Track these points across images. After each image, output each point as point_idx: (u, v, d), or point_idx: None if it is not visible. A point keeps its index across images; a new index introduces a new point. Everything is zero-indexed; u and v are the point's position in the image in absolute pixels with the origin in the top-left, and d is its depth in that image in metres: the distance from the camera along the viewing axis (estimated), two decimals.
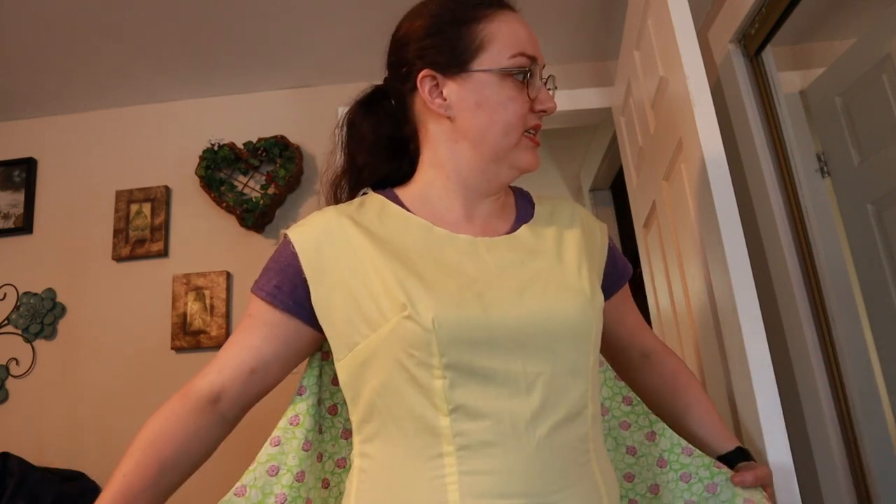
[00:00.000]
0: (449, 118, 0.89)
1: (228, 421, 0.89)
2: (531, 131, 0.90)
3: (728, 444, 0.99)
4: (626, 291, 1.06)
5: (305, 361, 0.94)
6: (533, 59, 0.88)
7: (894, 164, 1.58)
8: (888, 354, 1.61)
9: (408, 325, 0.76)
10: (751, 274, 1.20)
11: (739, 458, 0.97)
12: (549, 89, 0.91)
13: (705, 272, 1.36)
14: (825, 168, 1.78)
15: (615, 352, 1.08)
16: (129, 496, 0.80)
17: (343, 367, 0.85)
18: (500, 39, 0.87)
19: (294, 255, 0.86)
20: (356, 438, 0.86)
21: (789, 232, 1.71)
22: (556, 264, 0.87)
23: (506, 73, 0.86)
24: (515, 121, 0.87)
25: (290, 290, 0.86)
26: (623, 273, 1.04)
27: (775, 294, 1.76)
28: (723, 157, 1.26)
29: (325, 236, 0.86)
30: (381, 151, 0.97)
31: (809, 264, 1.66)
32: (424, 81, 0.88)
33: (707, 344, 1.42)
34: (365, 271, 0.82)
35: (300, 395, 0.92)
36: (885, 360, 1.61)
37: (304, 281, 0.85)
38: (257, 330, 0.87)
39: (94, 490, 1.96)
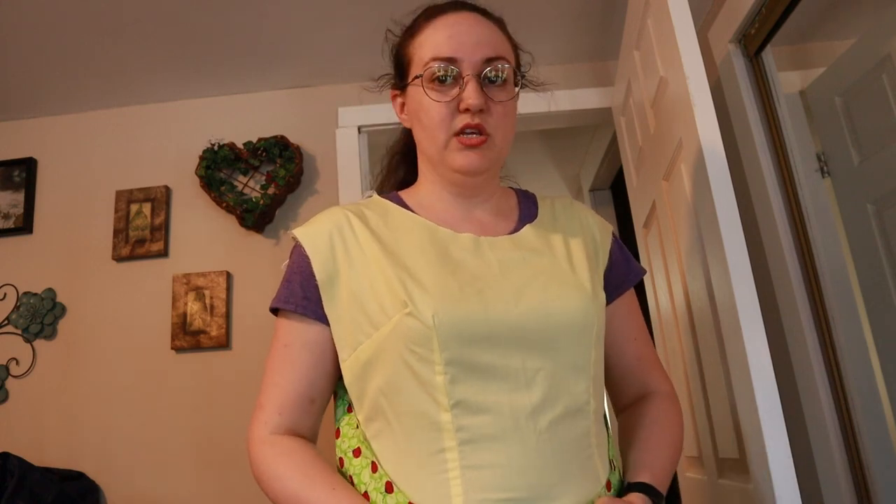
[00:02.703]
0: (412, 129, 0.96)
1: (313, 438, 0.89)
2: (469, 132, 0.87)
3: (636, 478, 0.86)
4: (631, 300, 0.99)
5: None
6: (449, 60, 0.87)
7: (894, 164, 1.58)
8: (888, 354, 1.61)
9: (409, 322, 0.78)
10: (751, 274, 1.20)
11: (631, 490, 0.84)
12: (494, 80, 0.88)
13: (705, 272, 1.36)
14: (825, 168, 1.78)
15: (613, 370, 0.98)
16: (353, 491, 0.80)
17: (347, 367, 0.86)
18: (421, 49, 0.91)
19: (305, 257, 0.87)
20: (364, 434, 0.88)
21: (789, 232, 1.71)
22: (558, 262, 0.88)
23: (426, 80, 0.88)
24: (435, 125, 0.88)
25: (315, 298, 0.86)
26: (626, 277, 0.98)
27: (775, 294, 1.76)
28: (723, 157, 1.26)
29: (333, 232, 0.88)
30: (402, 160, 1.08)
31: (809, 264, 1.66)
32: (395, 100, 0.98)
33: (707, 344, 1.42)
34: (369, 270, 0.84)
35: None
36: (885, 360, 1.61)
37: (317, 282, 0.86)
38: (299, 357, 0.86)
39: (94, 490, 1.97)
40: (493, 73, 0.88)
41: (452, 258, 0.85)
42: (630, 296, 1.00)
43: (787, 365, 1.72)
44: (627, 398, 1.00)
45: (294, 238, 0.90)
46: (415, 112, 0.92)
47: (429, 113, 0.88)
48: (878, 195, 1.64)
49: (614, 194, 3.28)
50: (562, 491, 0.77)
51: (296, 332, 0.87)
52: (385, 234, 0.88)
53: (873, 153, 1.65)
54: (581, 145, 3.28)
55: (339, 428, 0.91)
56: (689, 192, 1.41)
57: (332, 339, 0.87)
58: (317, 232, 0.89)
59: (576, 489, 0.78)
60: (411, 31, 0.95)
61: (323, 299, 0.86)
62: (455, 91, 0.87)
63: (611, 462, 0.89)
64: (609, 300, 0.95)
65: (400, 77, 0.96)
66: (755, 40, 1.75)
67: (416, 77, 0.90)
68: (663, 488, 0.87)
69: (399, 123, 1.01)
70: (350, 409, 0.91)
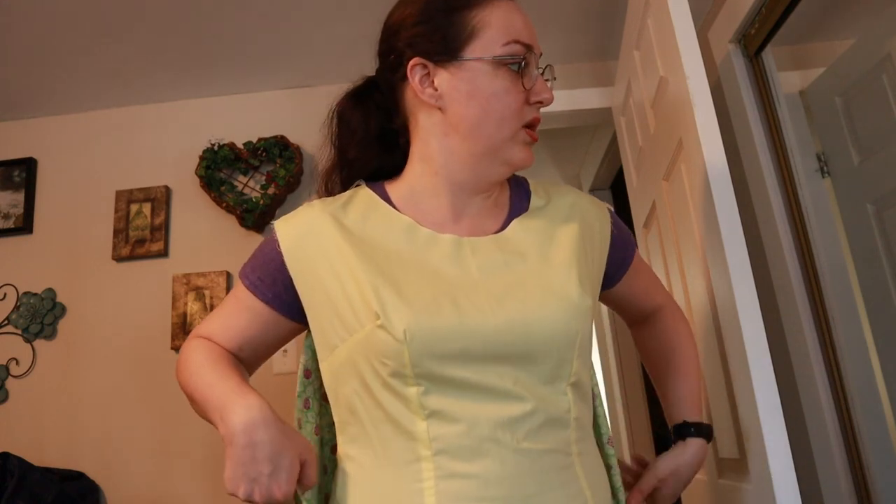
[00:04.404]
0: (440, 109, 0.85)
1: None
2: (529, 126, 0.86)
3: (682, 417, 1.01)
4: (636, 265, 1.02)
5: (303, 343, 0.95)
6: (528, 48, 0.83)
7: (894, 164, 1.58)
8: (888, 354, 1.60)
9: (380, 335, 0.75)
10: (751, 274, 1.20)
11: (682, 432, 1.00)
12: (546, 80, 0.87)
13: (705, 272, 1.36)
14: (825, 168, 1.78)
15: (625, 310, 1.09)
16: (237, 370, 0.83)
17: (326, 368, 0.85)
18: (494, 26, 0.83)
19: (278, 252, 0.86)
20: (339, 439, 0.86)
21: (789, 232, 1.71)
22: (542, 266, 0.83)
23: (499, 62, 0.82)
24: (510, 113, 0.83)
25: (270, 283, 0.87)
26: (626, 253, 1.00)
27: (775, 294, 1.76)
28: (723, 157, 1.26)
29: (308, 234, 0.85)
30: (371, 145, 0.94)
31: (809, 264, 1.66)
32: (415, 70, 0.84)
33: (707, 344, 1.42)
34: (343, 273, 0.81)
35: (307, 378, 0.93)
36: (885, 360, 1.61)
37: (288, 279, 0.86)
38: (241, 314, 0.89)
39: (94, 490, 1.97)
40: (550, 73, 0.88)
41: (430, 264, 0.81)
42: (634, 263, 1.02)
43: (787, 365, 1.72)
44: (639, 317, 1.10)
45: (273, 230, 0.89)
46: (471, 92, 0.82)
47: (502, 99, 0.82)
48: (878, 195, 1.64)
49: (614, 194, 3.28)
50: (539, 502, 0.75)
51: (245, 297, 0.89)
52: (362, 233, 0.84)
53: (873, 153, 1.65)
54: (581, 145, 3.28)
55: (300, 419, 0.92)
56: (689, 192, 1.41)
57: (277, 322, 0.89)
58: (292, 229, 0.87)
59: (555, 500, 0.76)
60: None
61: (299, 293, 0.85)
62: (521, 80, 0.83)
63: (610, 478, 0.90)
64: (617, 278, 1.00)
65: (444, 47, 0.83)
66: (755, 40, 1.75)
67: (494, 56, 0.82)
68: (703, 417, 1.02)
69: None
70: (307, 404, 0.92)
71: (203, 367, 0.83)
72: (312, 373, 0.93)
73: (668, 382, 1.05)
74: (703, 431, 1.00)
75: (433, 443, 0.75)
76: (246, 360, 0.91)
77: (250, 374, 0.93)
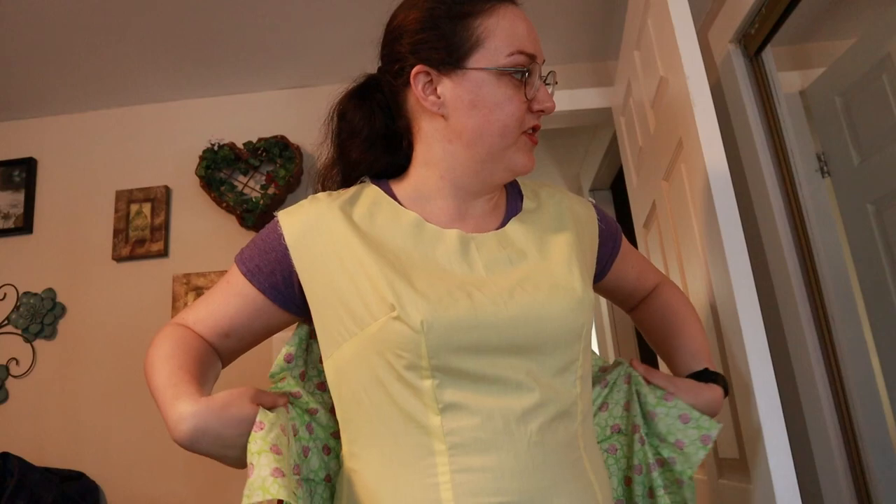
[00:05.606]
0: (443, 116, 0.86)
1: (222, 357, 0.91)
2: (530, 131, 0.88)
3: (698, 365, 1.03)
4: (624, 251, 1.05)
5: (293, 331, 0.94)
6: (532, 57, 0.84)
7: (894, 164, 1.58)
8: (888, 354, 1.61)
9: (396, 327, 0.75)
10: (751, 274, 1.20)
11: (703, 377, 1.01)
12: (548, 84, 0.88)
13: (705, 272, 1.36)
14: (825, 168, 1.78)
15: (621, 297, 1.12)
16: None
17: (329, 365, 0.84)
18: (498, 36, 0.83)
19: (282, 244, 0.85)
20: (343, 437, 0.86)
21: (789, 232, 1.71)
22: (544, 262, 0.85)
23: (503, 73, 0.83)
24: (512, 122, 0.84)
25: (268, 272, 0.86)
26: (615, 243, 1.03)
27: (775, 294, 1.76)
28: (723, 157, 1.26)
29: (315, 228, 0.85)
30: (376, 145, 0.93)
31: (809, 264, 1.66)
32: (418, 78, 0.85)
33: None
34: (352, 267, 0.81)
35: (288, 362, 0.91)
36: (885, 360, 1.61)
37: (289, 271, 0.85)
38: (233, 299, 0.88)
39: (94, 490, 1.97)
40: (552, 79, 0.89)
41: (438, 260, 0.82)
42: (622, 250, 1.05)
43: (787, 365, 1.72)
44: (636, 301, 1.13)
45: (276, 220, 0.88)
46: (474, 102, 0.83)
47: (504, 109, 0.83)
48: (878, 195, 1.64)
49: (614, 194, 3.28)
50: (553, 495, 0.76)
51: (240, 283, 0.87)
52: (371, 229, 0.84)
53: (873, 153, 1.65)
54: (581, 145, 3.28)
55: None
56: (689, 192, 1.41)
57: (269, 311, 0.87)
58: (297, 222, 0.86)
59: (567, 494, 0.77)
60: (473, 6, 0.84)
61: (304, 287, 0.84)
62: (524, 89, 0.84)
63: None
64: (608, 268, 1.03)
65: (448, 56, 0.84)
66: (755, 40, 1.75)
67: (498, 67, 0.82)
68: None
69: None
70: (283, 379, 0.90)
71: (158, 361, 0.81)
72: (295, 359, 0.92)
73: (676, 342, 1.06)
74: (724, 382, 1.01)
75: (448, 437, 0.75)
76: (231, 347, 0.90)
77: (232, 360, 0.92)
